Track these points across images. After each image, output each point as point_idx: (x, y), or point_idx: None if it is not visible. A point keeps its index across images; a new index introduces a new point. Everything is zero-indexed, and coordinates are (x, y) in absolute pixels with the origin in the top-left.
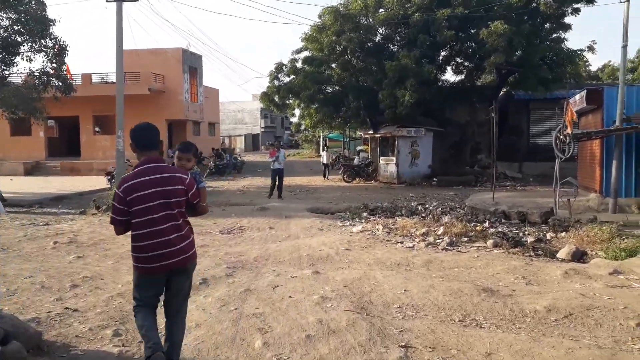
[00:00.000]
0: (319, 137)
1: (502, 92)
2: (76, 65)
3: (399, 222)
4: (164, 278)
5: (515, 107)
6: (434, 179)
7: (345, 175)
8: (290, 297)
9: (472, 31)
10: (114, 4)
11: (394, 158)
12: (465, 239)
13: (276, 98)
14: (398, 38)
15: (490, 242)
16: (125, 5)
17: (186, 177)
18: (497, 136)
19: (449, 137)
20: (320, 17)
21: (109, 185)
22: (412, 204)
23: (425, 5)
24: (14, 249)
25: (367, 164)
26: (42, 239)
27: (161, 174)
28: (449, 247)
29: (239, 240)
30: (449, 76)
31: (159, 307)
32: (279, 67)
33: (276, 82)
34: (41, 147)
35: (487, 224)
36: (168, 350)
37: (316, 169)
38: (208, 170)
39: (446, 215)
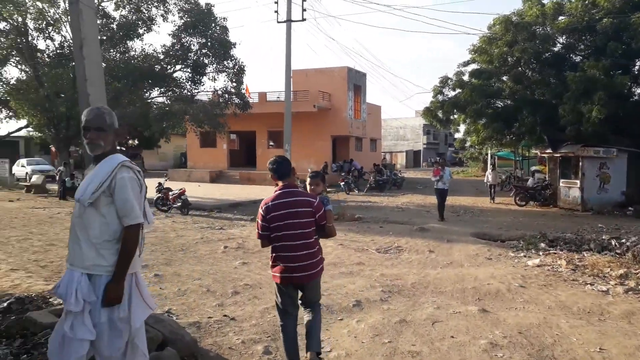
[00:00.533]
0: (486, 154)
1: None
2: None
3: (588, 259)
4: (294, 289)
5: None
6: (629, 208)
7: (517, 198)
8: (452, 337)
9: None
10: (284, 25)
11: (578, 181)
12: None
13: (439, 113)
14: (582, 47)
15: None
16: (294, 26)
17: (314, 200)
18: None
19: None
20: (489, 28)
21: None
22: (603, 237)
23: (616, 9)
24: (191, 250)
25: (544, 186)
26: (215, 243)
27: (294, 197)
28: None
29: (396, 262)
30: None
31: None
32: (444, 81)
33: (440, 97)
34: (224, 158)
35: None
36: (308, 342)
37: (482, 189)
38: (368, 185)
39: None
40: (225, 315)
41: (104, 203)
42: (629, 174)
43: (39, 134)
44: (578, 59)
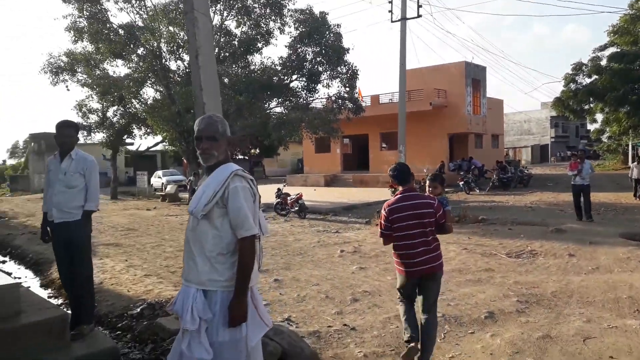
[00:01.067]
0: (626, 146)
1: None
2: (366, 88)
3: None
4: (416, 281)
5: None
6: None
7: None
8: (611, 358)
9: None
10: (399, 24)
11: None
12: None
13: (572, 103)
14: None
15: None
16: (409, 23)
17: (434, 202)
18: None
19: None
20: (632, 5)
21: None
22: None
23: None
24: (309, 254)
25: None
26: (332, 247)
27: (415, 200)
28: None
29: (531, 268)
30: None
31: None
32: (578, 68)
33: (573, 85)
34: (337, 162)
35: None
36: (423, 343)
37: (624, 184)
38: (491, 184)
39: None
40: (345, 325)
41: (217, 215)
42: None
43: (172, 148)
44: None
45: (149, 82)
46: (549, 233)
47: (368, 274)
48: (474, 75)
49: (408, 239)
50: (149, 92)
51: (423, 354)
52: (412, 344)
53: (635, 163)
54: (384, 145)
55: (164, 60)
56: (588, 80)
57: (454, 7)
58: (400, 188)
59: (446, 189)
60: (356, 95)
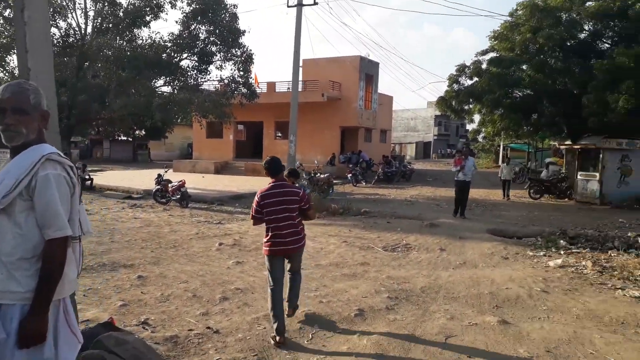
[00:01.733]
0: (498, 146)
1: None
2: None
3: (615, 259)
4: (282, 259)
5: None
6: None
7: (532, 191)
8: (469, 358)
9: None
10: (294, 10)
11: (597, 174)
12: None
13: (454, 103)
14: (610, 33)
15: None
16: (305, 11)
17: (300, 191)
18: None
19: None
20: (512, 14)
21: None
22: (628, 234)
23: None
24: (183, 247)
25: (560, 178)
26: (210, 239)
27: (284, 189)
28: None
29: (404, 262)
30: None
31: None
32: (461, 69)
33: (456, 86)
34: (230, 149)
35: None
36: (289, 298)
37: (495, 181)
38: (376, 177)
39: None
40: (208, 327)
41: (20, 209)
42: None
43: None
44: (605, 46)
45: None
46: (424, 227)
47: (244, 268)
48: (368, 71)
49: (277, 222)
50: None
51: (290, 304)
52: (279, 338)
53: (505, 164)
54: (278, 134)
55: None
56: (469, 82)
57: None
58: (273, 178)
59: (335, 181)
60: (251, 80)
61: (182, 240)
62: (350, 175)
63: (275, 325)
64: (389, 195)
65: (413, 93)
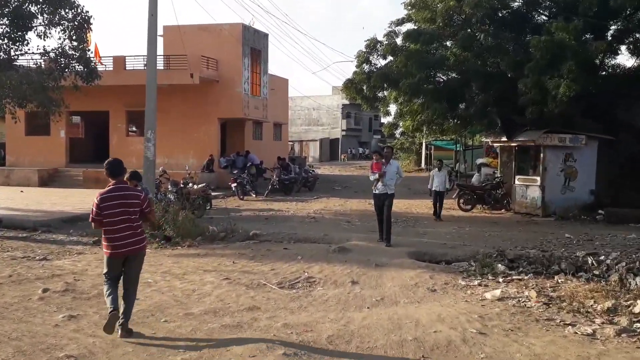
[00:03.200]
0: (420, 144)
1: None
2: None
3: (563, 287)
4: (122, 260)
5: None
6: (600, 211)
7: (461, 201)
8: None
9: None
10: None
11: (538, 178)
12: None
13: (365, 88)
14: (548, 3)
15: None
16: None
17: (141, 194)
18: None
19: (622, 150)
20: None
21: None
22: (577, 255)
23: None
24: None
25: (494, 184)
26: (31, 283)
27: (124, 192)
28: None
29: (306, 302)
30: (623, 59)
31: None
32: (372, 46)
33: (366, 67)
34: (61, 151)
35: None
36: (124, 310)
37: (417, 189)
38: (270, 187)
39: (636, 275)
40: None
41: None
42: (599, 169)
43: None
44: (542, 18)
45: None
46: (332, 253)
47: (81, 324)
48: (254, 44)
49: (116, 224)
50: None
51: (124, 317)
52: (114, 312)
53: (436, 169)
54: (132, 128)
55: None
56: (383, 62)
57: None
58: (113, 181)
59: (214, 193)
60: (90, 54)
61: None
62: (235, 184)
63: (110, 307)
64: (287, 210)
65: (314, 76)
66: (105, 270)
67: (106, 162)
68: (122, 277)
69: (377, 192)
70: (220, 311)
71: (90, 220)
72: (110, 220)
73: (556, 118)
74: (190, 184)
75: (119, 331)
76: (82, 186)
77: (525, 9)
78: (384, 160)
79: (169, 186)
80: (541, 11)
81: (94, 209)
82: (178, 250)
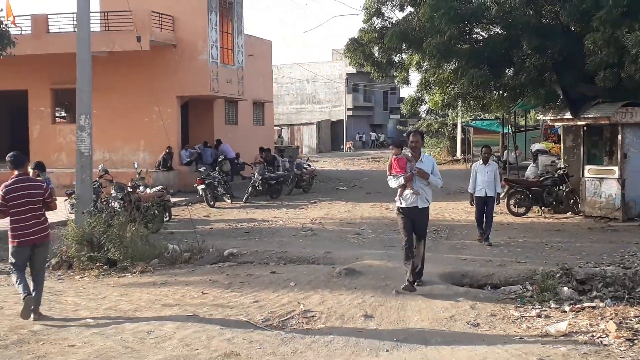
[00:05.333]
0: (453, 126)
1: None
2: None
3: None
4: (29, 249)
5: None
6: None
7: (512, 202)
8: None
9: None
10: None
11: (616, 169)
12: None
13: (376, 51)
14: None
15: None
16: None
17: (43, 184)
18: None
19: None
20: None
21: (72, 213)
22: None
23: None
24: None
25: (556, 179)
26: None
27: (27, 182)
28: None
29: (303, 345)
30: None
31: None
32: None
33: (377, 22)
34: None
35: None
36: (35, 295)
37: (451, 187)
38: (251, 189)
39: None
40: None
41: None
42: None
43: None
44: None
45: None
46: (336, 277)
47: None
48: None
49: (22, 214)
50: None
51: (36, 303)
52: (28, 296)
53: (480, 163)
54: (60, 112)
55: None
56: (400, 15)
57: None
58: (16, 172)
59: (175, 199)
60: None
61: None
62: (203, 186)
63: (22, 293)
64: (275, 220)
65: (307, 35)
66: (12, 260)
67: (9, 154)
68: (29, 267)
69: (403, 204)
70: None
71: None
72: (16, 210)
73: (638, 87)
74: (141, 187)
75: (32, 315)
76: None
77: None
78: (410, 154)
79: (112, 191)
80: None
81: (2, 196)
82: (127, 277)
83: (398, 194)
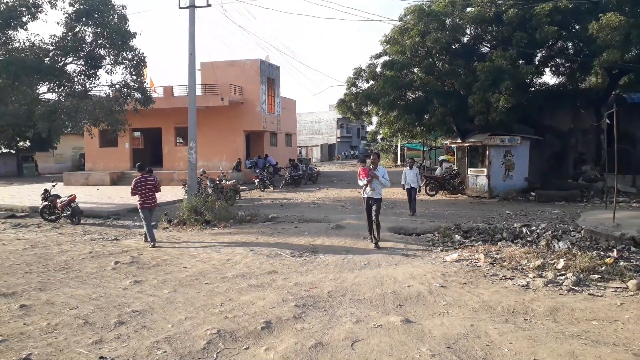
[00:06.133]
0: (396, 146)
1: (611, 95)
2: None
3: (504, 251)
4: (147, 211)
5: (626, 112)
6: (532, 193)
7: (428, 188)
8: None
9: (576, 27)
10: (187, 11)
11: (485, 169)
12: (596, 276)
13: (353, 105)
14: (489, 37)
15: (633, 282)
16: (201, 14)
17: (154, 179)
18: (606, 145)
19: (548, 147)
20: (401, 18)
21: (185, 195)
22: (514, 226)
23: (521, 0)
24: (75, 269)
25: (452, 175)
26: (106, 257)
27: (147, 179)
28: (576, 288)
29: (312, 267)
30: (547, 78)
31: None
32: (357, 73)
33: (354, 89)
34: (126, 158)
35: (614, 254)
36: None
37: (394, 180)
38: (284, 181)
39: (559, 240)
40: (102, 357)
41: None
42: (531, 161)
43: None
44: (486, 49)
45: None
46: (331, 230)
47: (143, 288)
48: (269, 74)
49: (144, 194)
50: None
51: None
52: (153, 238)
53: (408, 168)
54: (179, 140)
55: None
56: (366, 85)
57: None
58: (141, 173)
59: (242, 187)
60: (145, 84)
61: (73, 261)
62: (257, 180)
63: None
64: (297, 198)
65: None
66: (142, 216)
67: (137, 164)
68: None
69: (365, 196)
70: (247, 275)
71: (132, 192)
72: (142, 192)
73: (498, 124)
74: (224, 181)
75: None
76: None
77: (473, 42)
78: (372, 165)
79: (208, 182)
80: (484, 44)
81: (133, 187)
82: (215, 230)
83: (363, 189)
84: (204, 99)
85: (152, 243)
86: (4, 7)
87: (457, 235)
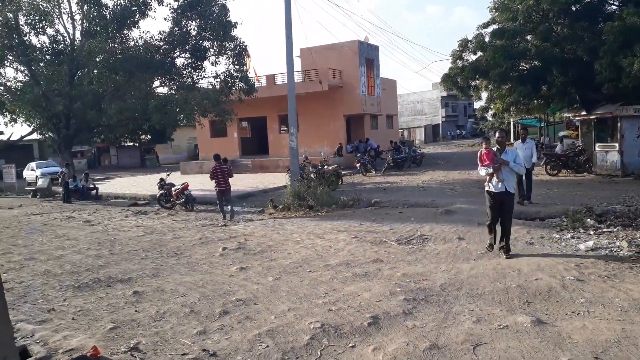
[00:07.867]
0: (508, 123)
1: None
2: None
3: None
4: (221, 194)
5: None
6: None
7: (548, 167)
8: None
9: None
10: None
11: (617, 144)
12: None
13: (459, 80)
14: None
15: None
16: None
17: (228, 167)
18: None
19: None
20: None
21: (289, 181)
22: None
23: None
24: (185, 255)
25: (577, 152)
26: (214, 244)
27: (223, 166)
28: None
29: (420, 255)
30: None
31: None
32: (463, 45)
33: (459, 62)
34: (235, 147)
35: None
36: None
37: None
38: (386, 165)
39: None
40: (204, 350)
41: None
42: None
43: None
44: (613, 7)
45: (7, 60)
46: (439, 215)
47: (248, 275)
48: (368, 55)
49: (219, 179)
50: (9, 73)
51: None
52: (226, 217)
53: (519, 142)
54: (283, 127)
55: (23, 34)
56: (474, 57)
57: None
58: (216, 162)
59: (344, 172)
60: (249, 74)
61: (184, 247)
62: (359, 164)
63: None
64: (400, 182)
65: (417, 75)
66: (217, 200)
67: (214, 155)
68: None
69: (491, 189)
70: (351, 263)
71: (209, 177)
72: (218, 178)
73: (631, 92)
74: (325, 166)
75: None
76: (251, 172)
77: (597, 1)
78: (498, 146)
79: (310, 168)
80: (611, 1)
81: (211, 173)
82: (318, 215)
83: (487, 180)
84: (304, 85)
85: (223, 221)
86: (118, 8)
87: (589, 220)
